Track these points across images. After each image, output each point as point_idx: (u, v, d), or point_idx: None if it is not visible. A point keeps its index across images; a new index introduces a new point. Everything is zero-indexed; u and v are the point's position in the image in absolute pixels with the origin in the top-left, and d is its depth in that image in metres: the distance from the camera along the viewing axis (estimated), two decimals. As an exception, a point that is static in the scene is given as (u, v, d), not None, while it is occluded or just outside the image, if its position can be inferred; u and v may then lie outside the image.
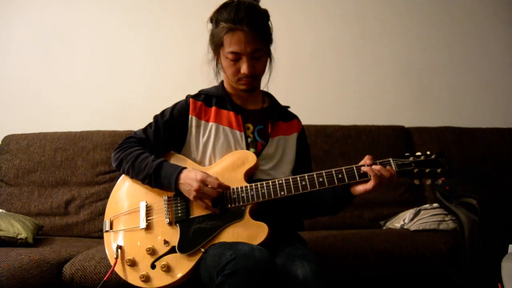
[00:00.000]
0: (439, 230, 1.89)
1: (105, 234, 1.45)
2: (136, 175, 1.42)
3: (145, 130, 1.50)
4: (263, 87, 1.54)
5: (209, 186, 1.31)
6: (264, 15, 1.42)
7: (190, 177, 1.32)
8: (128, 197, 1.47)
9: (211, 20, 1.43)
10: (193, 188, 1.31)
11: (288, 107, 1.58)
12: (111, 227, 1.44)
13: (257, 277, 1.13)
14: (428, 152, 1.32)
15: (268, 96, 1.59)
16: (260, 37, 1.37)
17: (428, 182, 1.31)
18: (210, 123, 1.46)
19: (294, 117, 1.60)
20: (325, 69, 2.79)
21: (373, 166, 1.30)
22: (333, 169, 1.32)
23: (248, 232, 1.29)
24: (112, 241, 1.42)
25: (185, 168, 1.36)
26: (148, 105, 2.64)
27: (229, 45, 1.37)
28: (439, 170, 1.29)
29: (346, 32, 2.81)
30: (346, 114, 2.70)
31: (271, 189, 1.33)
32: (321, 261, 1.26)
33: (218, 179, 1.33)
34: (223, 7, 1.40)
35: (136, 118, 2.56)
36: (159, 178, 1.37)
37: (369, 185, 1.31)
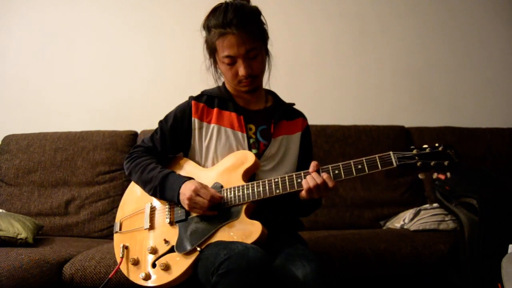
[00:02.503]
0: (439, 230, 1.89)
1: (115, 235, 1.49)
2: (143, 187, 1.45)
3: (151, 137, 1.51)
4: (264, 85, 1.53)
5: (202, 196, 1.32)
6: (253, 13, 1.40)
7: (186, 188, 1.34)
8: (136, 200, 1.51)
9: (204, 27, 1.43)
10: (185, 197, 1.32)
11: (293, 104, 1.57)
12: (120, 229, 1.49)
13: (251, 276, 1.13)
14: (436, 144, 1.25)
15: (272, 95, 1.58)
16: (252, 36, 1.36)
17: (435, 176, 1.25)
18: (212, 125, 1.46)
19: (299, 115, 1.58)
20: (325, 69, 2.79)
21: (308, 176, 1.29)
22: (330, 165, 1.30)
23: (243, 230, 1.29)
24: (120, 241, 1.46)
25: (189, 179, 1.37)
26: (148, 105, 2.66)
27: (223, 49, 1.36)
28: (446, 163, 1.21)
29: (346, 32, 2.81)
30: (346, 114, 2.70)
31: (267, 188, 1.33)
32: (321, 261, 1.26)
33: (213, 192, 1.34)
34: (212, 12, 1.40)
35: (136, 118, 2.58)
36: (164, 190, 1.39)
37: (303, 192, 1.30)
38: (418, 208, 2.07)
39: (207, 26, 1.40)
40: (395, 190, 2.35)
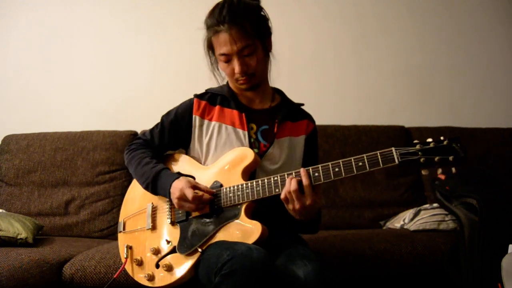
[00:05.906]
0: (439, 230, 1.89)
1: (119, 235, 1.50)
2: (138, 180, 1.46)
3: (151, 130, 1.52)
4: None
5: (187, 197, 1.31)
6: (249, 9, 1.37)
7: (175, 187, 1.33)
8: (138, 199, 1.51)
9: (204, 25, 1.43)
10: (175, 196, 1.33)
11: (302, 104, 1.54)
12: (124, 228, 1.49)
13: (255, 277, 1.13)
14: (441, 138, 1.17)
15: (279, 94, 1.56)
16: (247, 33, 1.34)
17: (439, 171, 1.18)
18: (213, 122, 1.46)
19: (305, 117, 1.55)
20: (325, 69, 2.78)
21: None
22: (329, 163, 1.25)
23: (243, 231, 1.28)
24: (124, 242, 1.46)
25: (178, 178, 1.36)
26: (148, 105, 2.66)
27: (217, 47, 1.37)
28: (451, 158, 1.14)
29: (346, 32, 2.81)
30: (346, 114, 2.70)
31: (266, 187, 1.30)
32: (323, 261, 1.26)
33: (201, 192, 1.32)
34: (211, 10, 1.40)
35: (136, 118, 2.58)
36: (156, 188, 1.40)
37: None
38: (418, 208, 2.07)
39: (206, 24, 1.41)
40: (395, 190, 2.35)
